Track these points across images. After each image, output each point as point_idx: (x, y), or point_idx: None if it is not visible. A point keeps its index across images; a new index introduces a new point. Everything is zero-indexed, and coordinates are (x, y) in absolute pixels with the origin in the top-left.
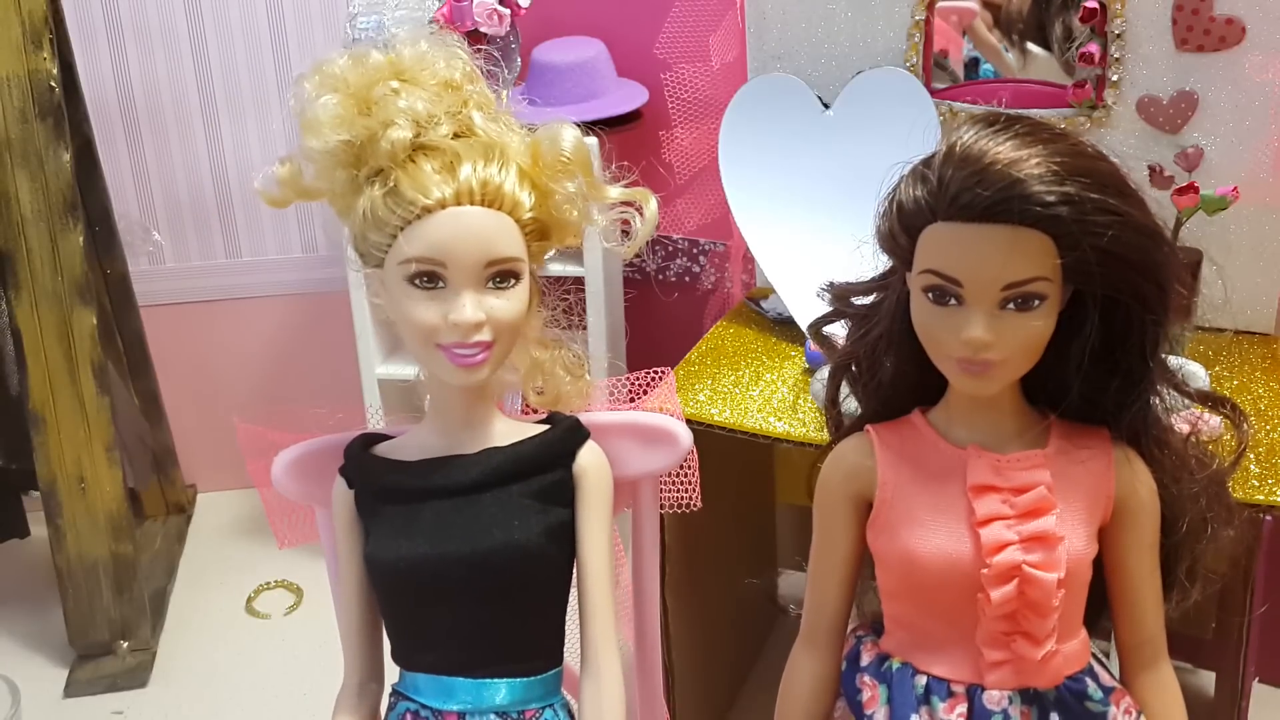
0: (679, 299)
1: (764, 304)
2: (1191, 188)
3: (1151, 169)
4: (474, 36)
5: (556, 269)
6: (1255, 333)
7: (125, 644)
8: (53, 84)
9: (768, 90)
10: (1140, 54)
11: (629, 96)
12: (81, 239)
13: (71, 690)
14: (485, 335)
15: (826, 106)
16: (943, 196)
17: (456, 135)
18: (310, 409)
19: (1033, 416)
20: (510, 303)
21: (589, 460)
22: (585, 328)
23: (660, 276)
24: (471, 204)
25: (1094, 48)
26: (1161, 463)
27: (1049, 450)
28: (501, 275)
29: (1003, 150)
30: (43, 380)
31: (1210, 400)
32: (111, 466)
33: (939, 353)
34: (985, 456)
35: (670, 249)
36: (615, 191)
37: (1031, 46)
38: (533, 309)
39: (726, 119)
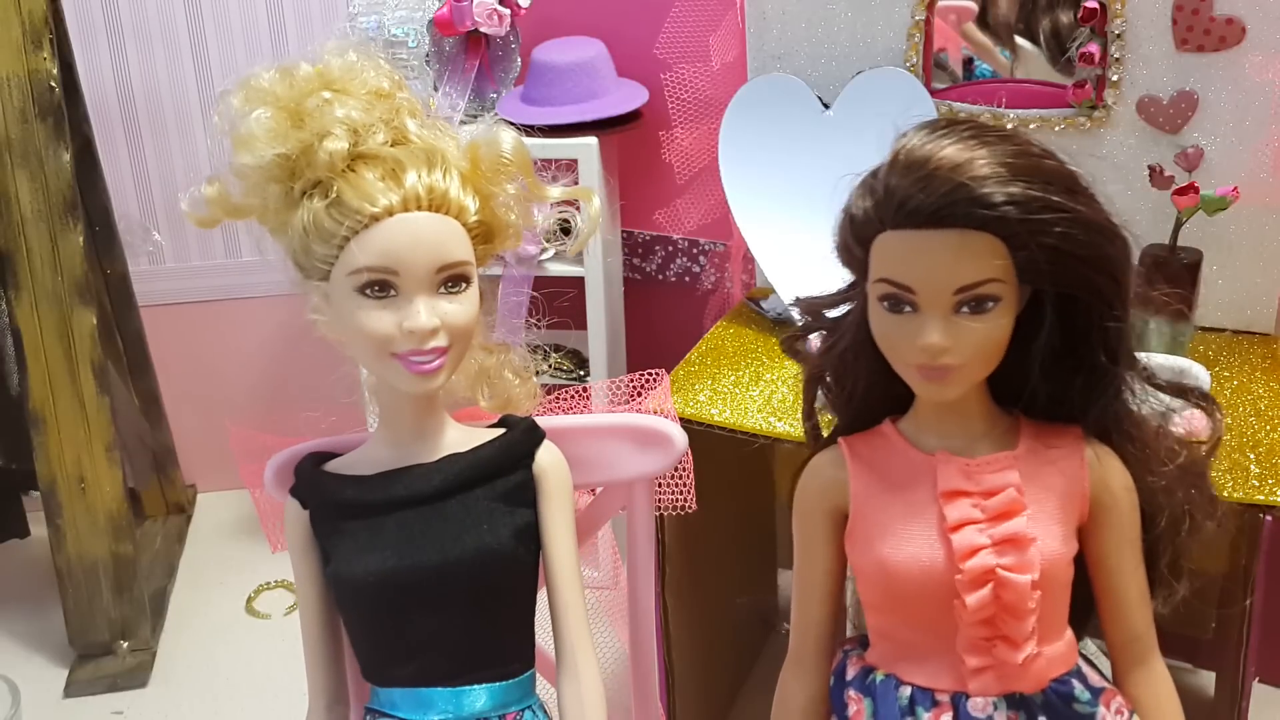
0: (679, 299)
1: (764, 304)
2: (1191, 188)
3: (1151, 169)
4: (474, 36)
5: (556, 269)
6: (1255, 333)
7: (125, 644)
8: (53, 84)
9: (768, 90)
10: (1140, 54)
11: (629, 96)
12: (81, 239)
13: (71, 690)
14: (441, 341)
15: (826, 106)
16: (889, 205)
17: (393, 143)
18: (306, 412)
19: (1002, 418)
20: (463, 306)
21: (548, 460)
22: (585, 328)
23: (660, 276)
24: (419, 210)
25: (1094, 48)
26: (1133, 457)
27: (1019, 451)
28: (453, 280)
29: (946, 155)
30: (43, 380)
31: (1180, 392)
32: (111, 466)
33: (899, 360)
34: (954, 461)
35: (670, 249)
36: (556, 191)
37: (1021, 42)
38: (479, 314)
39: (726, 119)
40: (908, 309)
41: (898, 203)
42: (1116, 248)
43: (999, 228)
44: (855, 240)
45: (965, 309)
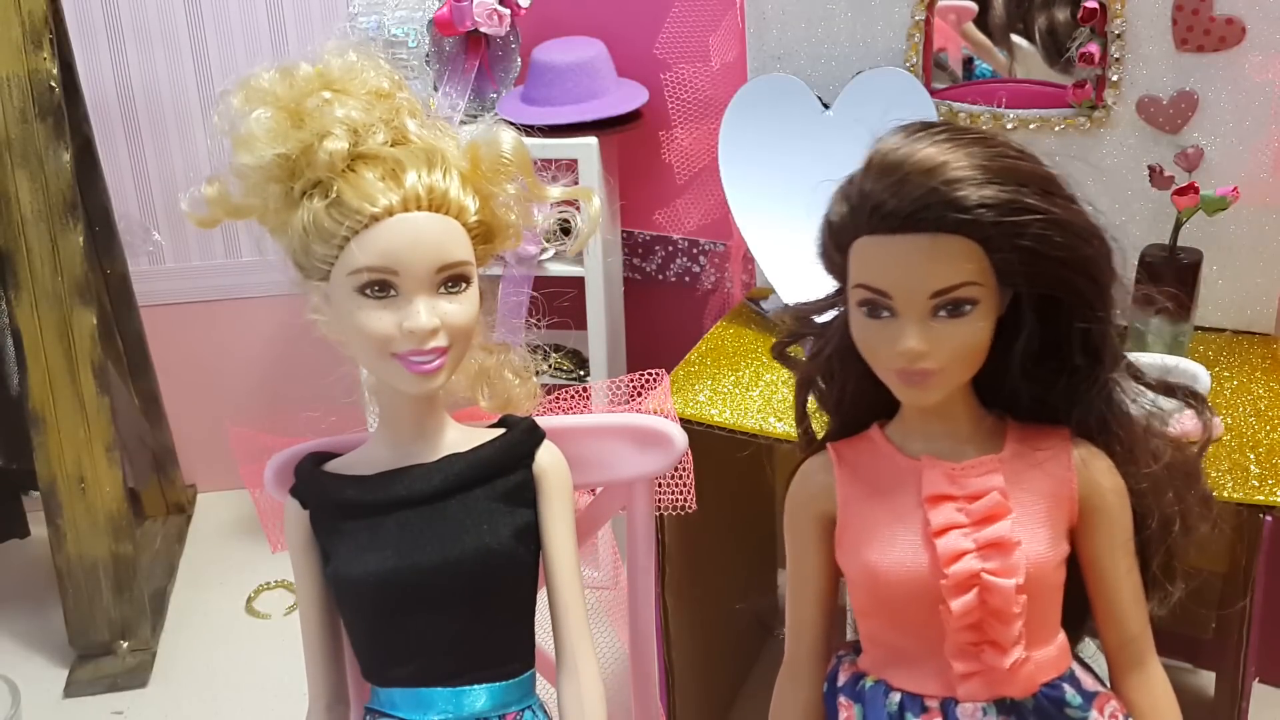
0: (679, 299)
1: (764, 304)
2: (1191, 188)
3: (1151, 169)
4: (474, 36)
5: (556, 269)
6: (1255, 333)
7: (125, 644)
8: (53, 84)
9: (768, 90)
10: (1140, 54)
11: (629, 96)
12: (81, 239)
13: (71, 690)
14: (441, 341)
15: (826, 106)
16: (864, 210)
17: (393, 143)
18: (306, 412)
19: (988, 421)
20: (463, 306)
21: (548, 460)
22: (585, 328)
23: (660, 276)
24: (419, 209)
25: (1094, 48)
26: (1121, 457)
27: (1004, 454)
28: (453, 280)
29: (920, 159)
30: (43, 380)
31: (1168, 390)
32: (111, 466)
33: (879, 365)
34: (939, 466)
35: (670, 249)
36: (556, 191)
37: (1019, 41)
38: (479, 314)
39: (726, 119)
40: (885, 314)
41: (872, 207)
42: (1095, 248)
43: (974, 231)
44: (834, 246)
45: (943, 312)
